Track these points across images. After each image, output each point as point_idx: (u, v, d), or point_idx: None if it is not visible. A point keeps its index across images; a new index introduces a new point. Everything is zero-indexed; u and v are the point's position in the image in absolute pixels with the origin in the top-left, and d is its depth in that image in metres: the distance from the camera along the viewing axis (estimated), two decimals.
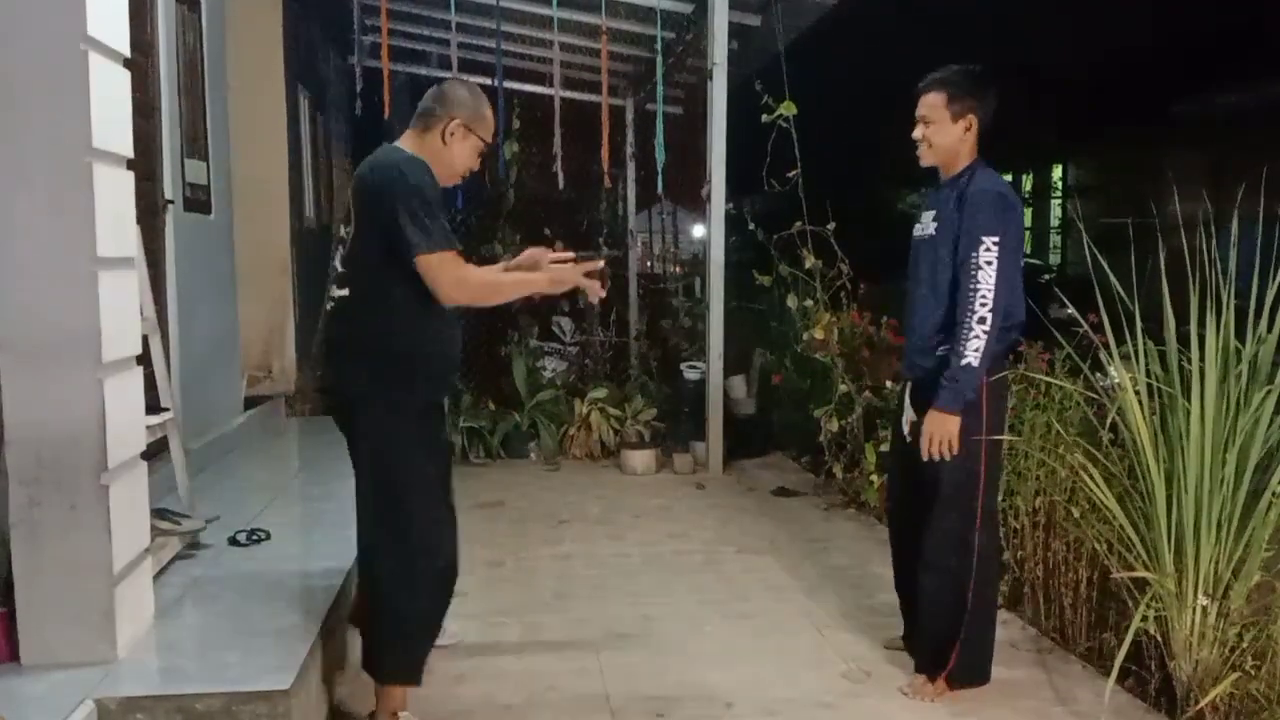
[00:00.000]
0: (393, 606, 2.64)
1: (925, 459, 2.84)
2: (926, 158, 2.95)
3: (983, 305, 2.73)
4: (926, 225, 2.96)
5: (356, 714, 2.87)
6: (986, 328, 2.73)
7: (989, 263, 2.73)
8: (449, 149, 2.66)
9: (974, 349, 2.74)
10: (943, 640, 2.94)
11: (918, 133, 2.92)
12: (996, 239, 2.74)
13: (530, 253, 2.78)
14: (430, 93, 2.71)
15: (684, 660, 3.26)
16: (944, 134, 2.88)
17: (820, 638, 3.45)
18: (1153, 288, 3.02)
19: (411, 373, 2.60)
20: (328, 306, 2.71)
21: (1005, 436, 3.02)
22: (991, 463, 2.91)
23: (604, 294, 2.68)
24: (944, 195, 2.92)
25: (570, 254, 2.70)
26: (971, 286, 2.74)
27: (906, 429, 3.03)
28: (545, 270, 2.66)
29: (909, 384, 3.06)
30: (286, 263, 6.55)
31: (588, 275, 2.64)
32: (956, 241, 2.81)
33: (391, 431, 2.59)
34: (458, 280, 2.52)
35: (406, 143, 2.67)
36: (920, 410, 2.92)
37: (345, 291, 2.61)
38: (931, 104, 2.88)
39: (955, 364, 2.77)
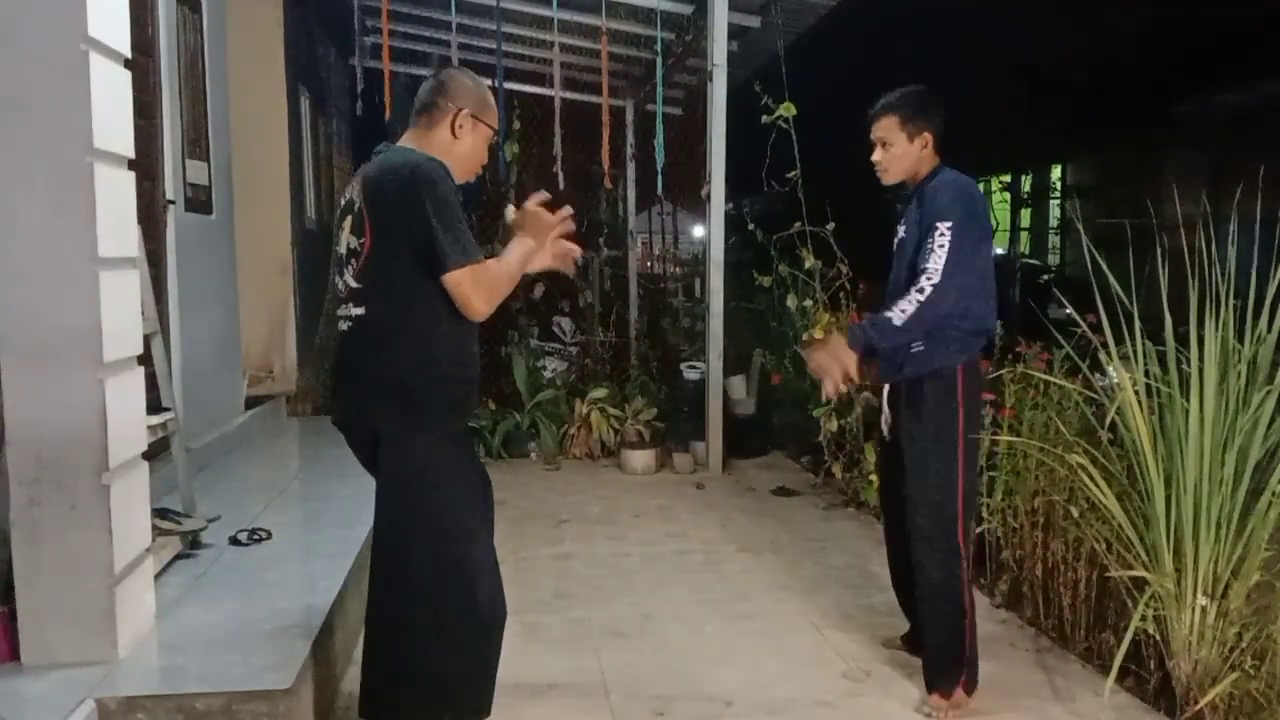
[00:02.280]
0: (426, 665, 2.37)
1: (823, 388, 2.89)
2: (889, 178, 3.01)
3: (928, 280, 2.72)
4: (899, 234, 3.01)
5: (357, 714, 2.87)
6: (923, 299, 2.72)
7: (941, 246, 2.74)
8: (460, 142, 2.45)
9: (901, 309, 2.74)
10: (948, 652, 2.90)
11: (877, 156, 2.98)
12: (950, 224, 2.75)
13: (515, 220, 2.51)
14: (427, 85, 2.48)
15: (684, 660, 3.26)
16: (902, 155, 2.95)
17: (820, 637, 3.45)
18: (1152, 288, 3.02)
19: (444, 400, 2.36)
20: (342, 328, 2.42)
21: (999, 435, 3.02)
22: (968, 473, 2.89)
23: (576, 261, 2.59)
24: (910, 203, 2.98)
25: (545, 196, 2.49)
26: (921, 265, 2.76)
27: (886, 431, 3.08)
28: (520, 241, 2.43)
29: (887, 387, 3.09)
30: (287, 263, 6.56)
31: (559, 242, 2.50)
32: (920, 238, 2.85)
33: (428, 464, 2.35)
34: (490, 292, 2.31)
35: (411, 142, 2.44)
36: (897, 411, 2.98)
37: (361, 311, 2.35)
38: (886, 127, 2.95)
39: (881, 314, 2.79)
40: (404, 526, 2.37)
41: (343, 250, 2.40)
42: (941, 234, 2.75)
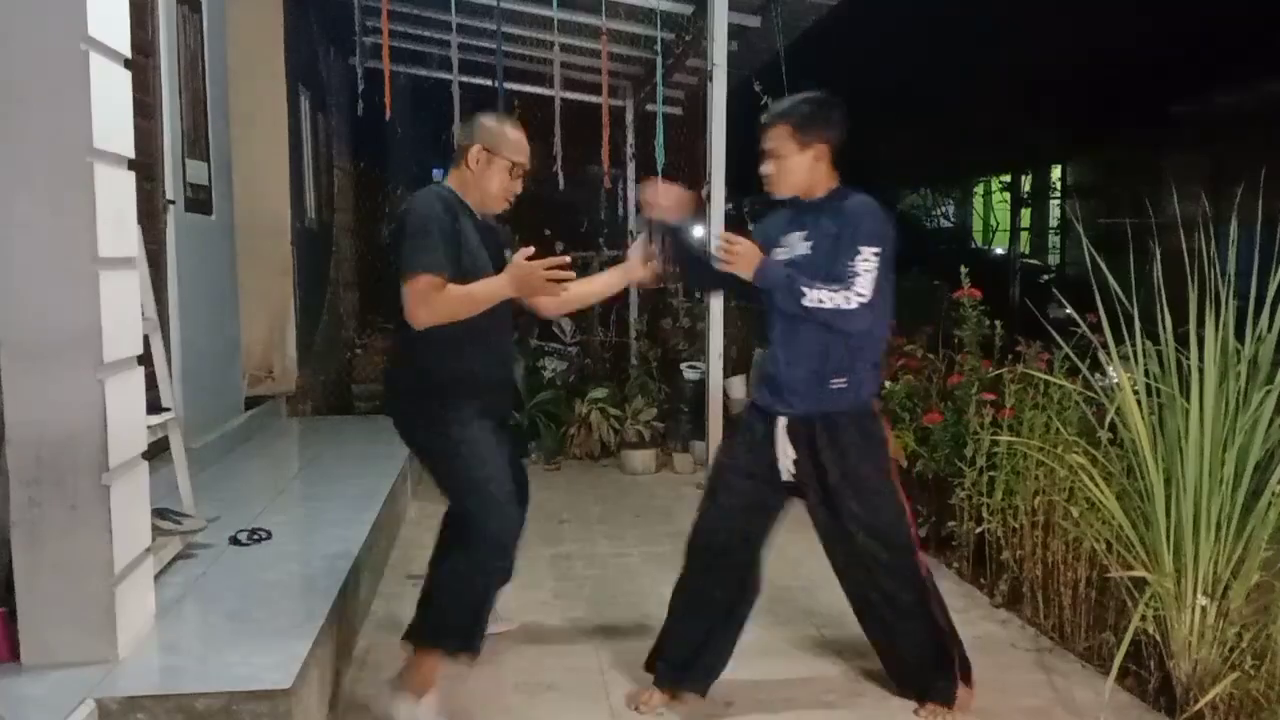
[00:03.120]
0: (456, 578, 2.74)
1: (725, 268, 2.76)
2: (778, 189, 2.83)
3: (857, 296, 2.60)
4: (795, 246, 2.80)
5: (358, 713, 2.87)
6: (846, 308, 2.60)
7: (868, 271, 2.63)
8: (477, 175, 2.76)
9: (819, 298, 2.61)
10: (939, 664, 2.88)
11: (767, 167, 2.80)
12: (877, 250, 2.64)
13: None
14: (459, 127, 2.92)
15: None
16: (793, 165, 2.77)
17: (820, 637, 3.45)
18: (1152, 288, 3.02)
19: (442, 395, 2.72)
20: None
21: (999, 435, 3.00)
22: (900, 490, 2.84)
23: (567, 287, 2.70)
24: (810, 217, 2.80)
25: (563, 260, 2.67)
26: (849, 280, 2.62)
27: (790, 471, 2.83)
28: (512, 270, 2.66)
29: (783, 423, 2.81)
30: (288, 263, 6.55)
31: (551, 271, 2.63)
32: (835, 256, 2.70)
33: (430, 442, 2.78)
34: (423, 302, 2.59)
35: (450, 179, 2.82)
36: (803, 448, 2.78)
37: (392, 325, 2.83)
38: (778, 136, 2.76)
39: (803, 282, 2.65)
40: (441, 483, 2.81)
41: None
42: (866, 259, 2.63)
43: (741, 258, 2.73)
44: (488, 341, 2.78)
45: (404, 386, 2.80)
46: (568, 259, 2.66)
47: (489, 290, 2.67)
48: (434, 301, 2.60)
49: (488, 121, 2.81)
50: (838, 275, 2.65)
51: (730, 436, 2.97)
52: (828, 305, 2.63)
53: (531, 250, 2.60)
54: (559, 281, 2.63)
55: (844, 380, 2.75)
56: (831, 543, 2.89)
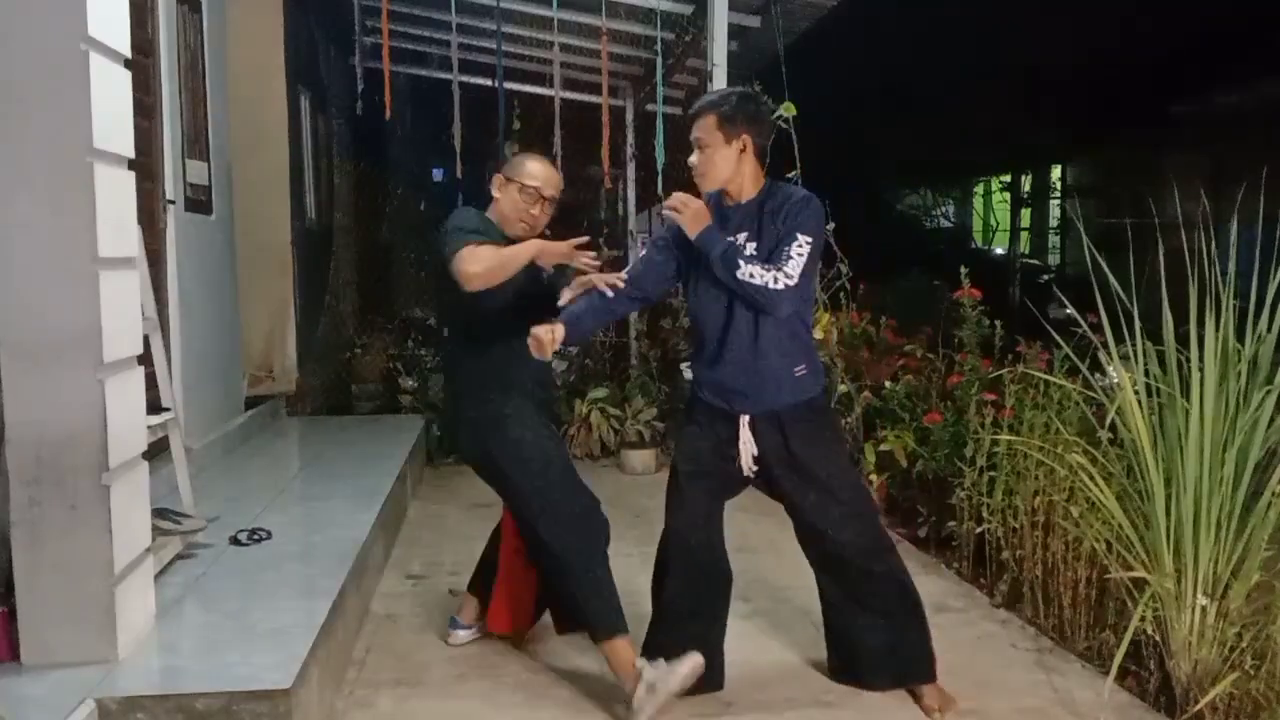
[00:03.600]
0: (584, 572, 2.92)
1: (670, 211, 2.75)
2: (705, 182, 2.82)
3: (786, 279, 2.63)
4: (743, 249, 2.77)
5: (358, 713, 2.87)
6: (774, 287, 2.62)
7: (800, 255, 2.66)
8: (500, 200, 3.02)
9: (752, 273, 2.63)
10: (924, 638, 2.94)
11: (694, 158, 2.81)
12: (810, 240, 2.68)
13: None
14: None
15: None
16: (719, 157, 2.76)
17: (819, 637, 3.45)
18: (1152, 288, 3.02)
19: (480, 392, 2.98)
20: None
21: (999, 435, 3.00)
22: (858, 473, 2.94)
23: (598, 271, 2.81)
24: (748, 215, 2.80)
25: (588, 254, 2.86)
26: (781, 263, 2.65)
27: (750, 468, 2.88)
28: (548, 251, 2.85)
29: (746, 420, 2.84)
30: (287, 263, 6.55)
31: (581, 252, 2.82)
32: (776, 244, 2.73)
33: (488, 438, 2.98)
34: (470, 259, 2.73)
35: (488, 212, 3.06)
36: (770, 442, 2.83)
37: (445, 332, 3.13)
38: (705, 127, 2.77)
39: (741, 257, 2.66)
40: (507, 482, 3.01)
41: None
42: (800, 246, 2.67)
43: (691, 214, 2.74)
44: (526, 360, 2.87)
45: (467, 412, 3.02)
46: (587, 239, 2.85)
47: (517, 251, 2.81)
48: (479, 253, 2.74)
49: (518, 154, 3.15)
50: (772, 258, 2.70)
51: (691, 441, 2.97)
52: (756, 281, 2.64)
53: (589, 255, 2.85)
54: (581, 249, 2.81)
55: (805, 368, 2.83)
56: (808, 531, 2.95)
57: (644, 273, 2.93)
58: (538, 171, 3.01)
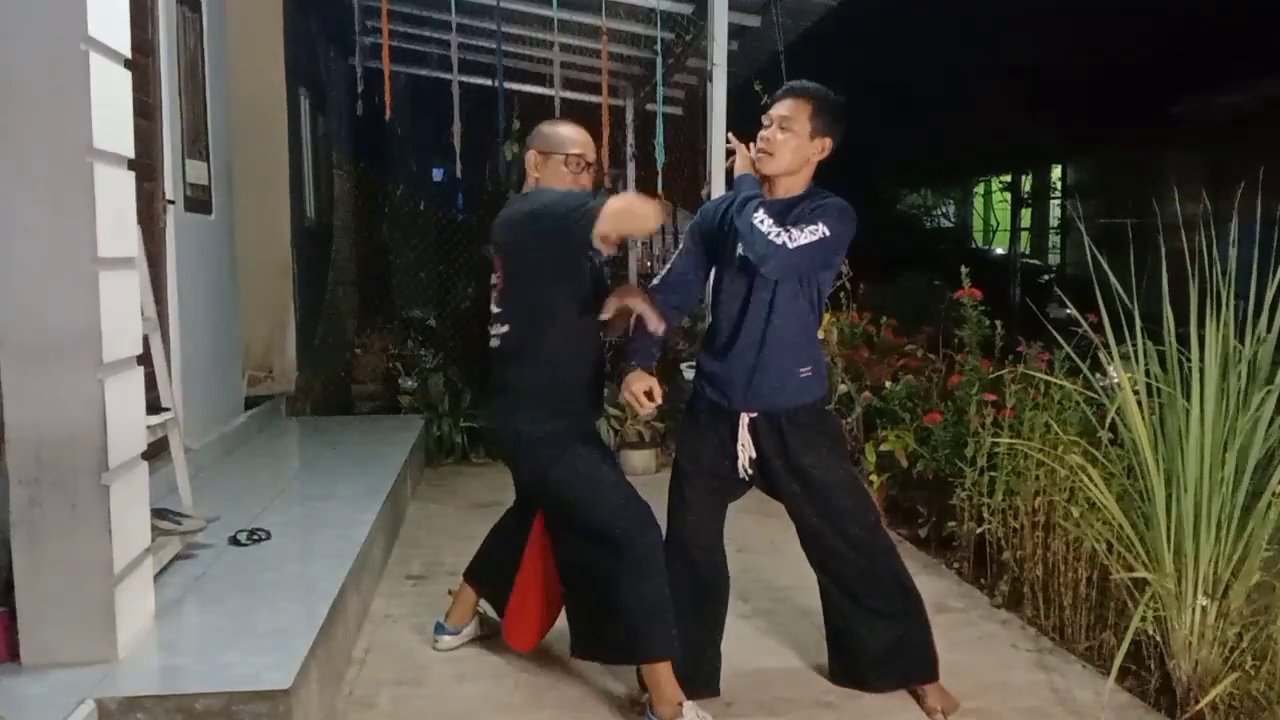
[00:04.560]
0: (635, 596, 2.72)
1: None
2: (770, 163, 2.71)
3: (792, 240, 2.57)
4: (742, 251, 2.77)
5: (358, 713, 2.87)
6: (774, 235, 2.57)
7: (812, 235, 2.59)
8: (543, 178, 2.85)
9: (768, 223, 2.58)
10: (928, 638, 2.94)
11: (771, 133, 2.68)
12: (828, 232, 2.62)
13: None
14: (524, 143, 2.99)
15: None
16: (795, 146, 2.70)
17: (819, 636, 3.45)
18: (1152, 288, 3.02)
19: (559, 405, 2.82)
20: (491, 345, 2.91)
21: (999, 435, 3.00)
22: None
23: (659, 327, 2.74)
24: (779, 210, 2.73)
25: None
26: (792, 230, 2.60)
27: (747, 470, 2.88)
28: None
29: (746, 419, 2.85)
30: (287, 263, 6.55)
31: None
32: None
33: (556, 455, 2.80)
34: (624, 207, 2.54)
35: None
36: (769, 444, 2.83)
37: (506, 329, 2.85)
38: (796, 109, 2.67)
39: (766, 208, 2.63)
40: (564, 501, 2.83)
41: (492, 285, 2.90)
42: (816, 229, 2.60)
43: (745, 154, 2.76)
44: (589, 356, 2.88)
45: (527, 413, 2.82)
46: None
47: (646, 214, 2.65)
48: (617, 203, 2.56)
49: (542, 127, 2.93)
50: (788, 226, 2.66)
51: (692, 441, 2.97)
52: (764, 228, 2.58)
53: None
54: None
55: (809, 370, 2.83)
56: (809, 532, 2.94)
57: (674, 285, 2.95)
58: (577, 137, 2.88)
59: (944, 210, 27.13)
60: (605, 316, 2.76)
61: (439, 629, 3.33)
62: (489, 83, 7.17)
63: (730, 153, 2.84)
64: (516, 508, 3.24)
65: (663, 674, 2.74)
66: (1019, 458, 3.59)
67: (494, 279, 2.88)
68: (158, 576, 2.98)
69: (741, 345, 2.82)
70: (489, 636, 3.35)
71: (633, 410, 2.84)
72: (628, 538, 2.74)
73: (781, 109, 2.71)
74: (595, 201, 2.54)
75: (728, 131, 2.86)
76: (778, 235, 2.59)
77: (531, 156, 2.87)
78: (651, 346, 2.90)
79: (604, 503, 2.78)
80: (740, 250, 2.76)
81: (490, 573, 3.27)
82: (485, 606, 3.35)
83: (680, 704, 2.72)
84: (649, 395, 2.80)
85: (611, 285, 2.90)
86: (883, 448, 4.55)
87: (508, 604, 3.15)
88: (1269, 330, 2.88)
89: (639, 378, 2.84)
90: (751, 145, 2.78)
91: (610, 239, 2.57)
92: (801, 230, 2.61)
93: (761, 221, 2.61)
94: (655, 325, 2.72)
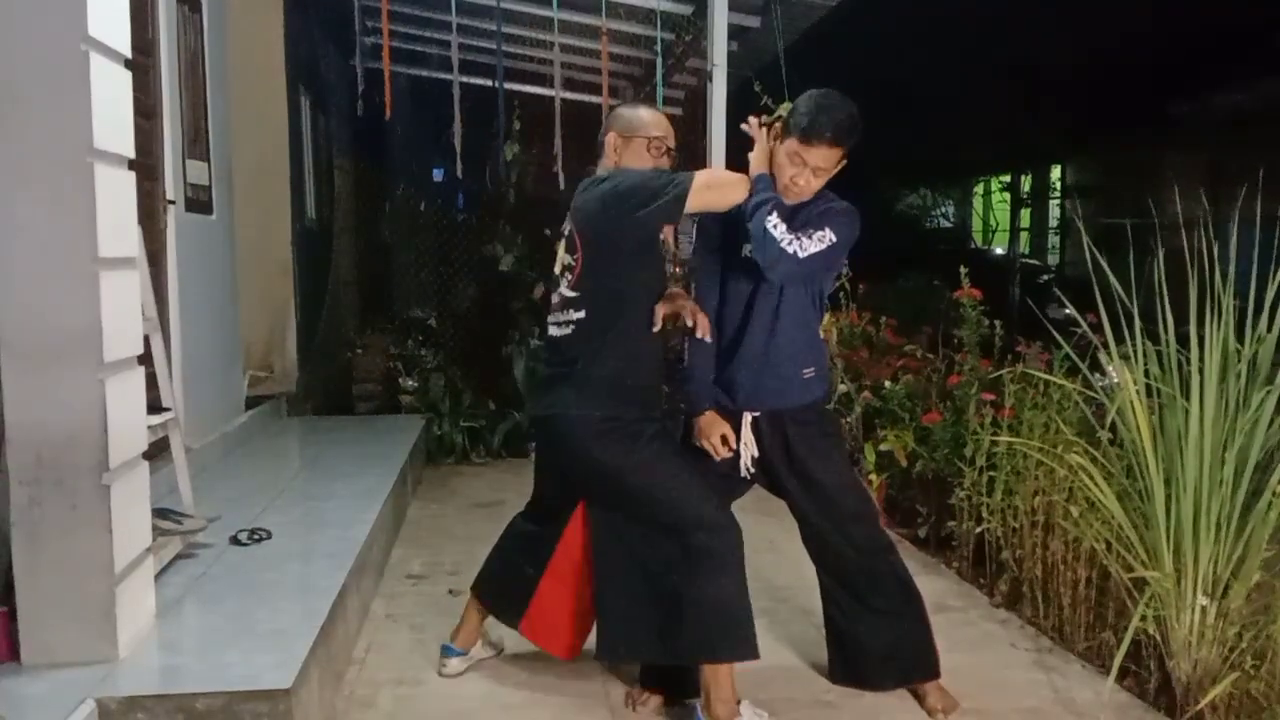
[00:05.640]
0: (717, 592, 2.64)
1: None
2: (798, 199, 2.75)
3: (801, 248, 2.59)
4: (747, 251, 2.78)
5: (358, 713, 2.87)
6: (785, 240, 2.58)
7: (820, 242, 2.61)
8: (622, 160, 2.80)
9: (780, 226, 2.58)
10: (926, 637, 2.95)
11: (806, 178, 2.70)
12: (835, 239, 2.64)
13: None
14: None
15: None
16: (822, 182, 2.74)
17: (820, 637, 3.45)
18: (1152, 288, 3.02)
19: (632, 396, 2.75)
20: (555, 333, 2.81)
21: (999, 435, 3.00)
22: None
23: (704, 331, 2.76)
24: (789, 214, 2.74)
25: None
26: (801, 237, 2.62)
27: (748, 469, 2.89)
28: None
29: (749, 418, 2.87)
30: (288, 263, 6.55)
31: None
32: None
33: (630, 446, 2.71)
34: (716, 178, 2.66)
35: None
36: (772, 444, 2.85)
37: (582, 314, 2.73)
38: (830, 158, 2.69)
39: (781, 211, 2.63)
40: (629, 496, 2.72)
41: (565, 267, 2.80)
42: (825, 236, 2.62)
43: (761, 150, 2.76)
44: (659, 349, 2.84)
45: (599, 401, 2.71)
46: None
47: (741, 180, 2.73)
48: (703, 175, 2.64)
49: (621, 110, 2.90)
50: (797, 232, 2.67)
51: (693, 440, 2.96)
52: (776, 234, 2.58)
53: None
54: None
55: (813, 370, 2.86)
56: (810, 531, 2.95)
57: (711, 292, 2.94)
58: (659, 121, 2.84)
59: (943, 210, 27.14)
60: (657, 328, 2.75)
61: (447, 651, 3.15)
62: (489, 83, 7.16)
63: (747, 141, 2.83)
64: (537, 513, 3.12)
65: (726, 674, 2.68)
66: (1018, 457, 3.60)
67: (565, 262, 2.78)
68: (158, 576, 2.98)
69: (747, 347, 2.84)
70: (496, 655, 3.25)
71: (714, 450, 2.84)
72: (710, 533, 2.64)
73: (819, 158, 2.67)
74: (684, 176, 2.57)
75: (748, 117, 2.82)
76: (789, 244, 2.60)
77: (612, 139, 2.82)
78: (709, 373, 2.89)
79: (683, 498, 2.68)
80: (747, 251, 2.76)
81: (507, 584, 3.11)
82: (490, 623, 3.22)
83: (738, 703, 2.70)
84: (724, 441, 2.82)
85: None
86: (882, 447, 4.55)
87: (527, 610, 3.04)
88: (1269, 330, 2.88)
89: (713, 422, 2.84)
90: (767, 131, 2.79)
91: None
92: (811, 238, 2.63)
93: (775, 226, 2.61)
94: (704, 331, 2.76)
